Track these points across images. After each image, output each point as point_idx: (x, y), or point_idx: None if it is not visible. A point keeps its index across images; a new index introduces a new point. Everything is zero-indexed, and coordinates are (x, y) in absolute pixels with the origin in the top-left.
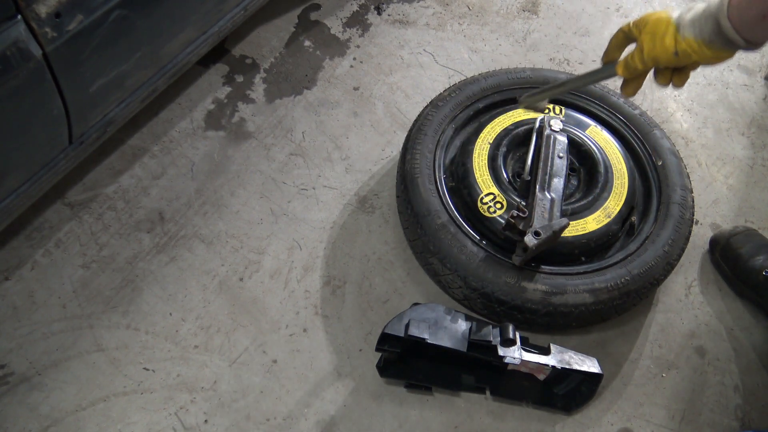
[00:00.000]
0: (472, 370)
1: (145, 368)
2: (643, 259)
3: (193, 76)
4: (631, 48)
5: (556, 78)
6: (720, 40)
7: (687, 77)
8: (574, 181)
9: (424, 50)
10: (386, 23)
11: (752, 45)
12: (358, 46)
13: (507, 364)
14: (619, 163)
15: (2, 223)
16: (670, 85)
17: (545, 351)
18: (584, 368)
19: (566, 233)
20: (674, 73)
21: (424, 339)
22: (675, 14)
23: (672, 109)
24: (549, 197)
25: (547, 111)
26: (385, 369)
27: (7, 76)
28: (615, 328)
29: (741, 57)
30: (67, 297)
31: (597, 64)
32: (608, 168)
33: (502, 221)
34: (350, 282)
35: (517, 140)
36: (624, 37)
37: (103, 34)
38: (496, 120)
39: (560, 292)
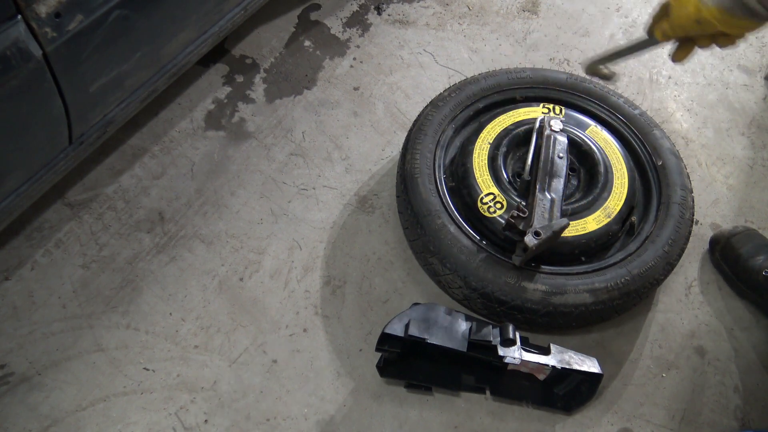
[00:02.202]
0: (472, 370)
1: (145, 368)
2: (643, 259)
3: (193, 76)
4: None
5: (556, 78)
6: (740, 9)
7: (731, 42)
8: (574, 181)
9: (424, 50)
10: (386, 23)
11: None
12: (358, 46)
13: (507, 364)
14: (619, 163)
15: (2, 223)
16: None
17: (545, 351)
18: (584, 368)
19: (566, 233)
20: (720, 36)
21: (424, 339)
22: None
23: (672, 109)
24: (549, 197)
25: (547, 111)
26: (385, 369)
27: (7, 76)
28: (615, 328)
29: (741, 56)
30: (67, 297)
31: None
32: (608, 168)
33: (502, 221)
34: (350, 282)
35: (517, 140)
36: (661, 9)
37: (103, 34)
38: (496, 120)
39: (560, 292)
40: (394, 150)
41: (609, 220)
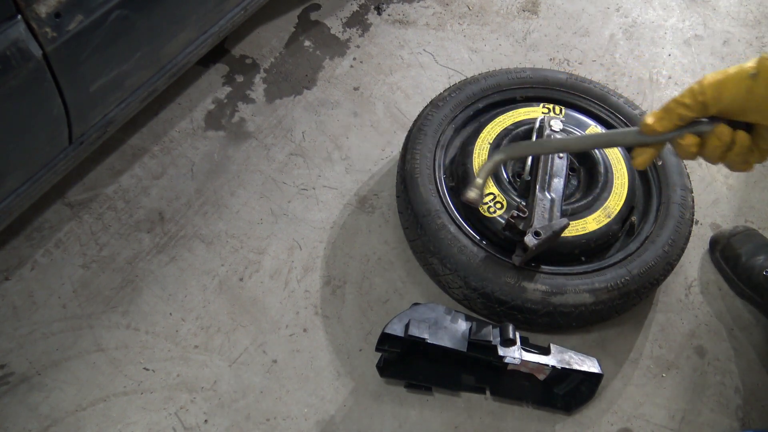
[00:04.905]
0: (472, 370)
1: (145, 368)
2: (643, 259)
3: (193, 76)
4: None
5: (556, 78)
6: None
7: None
8: (574, 181)
9: (424, 50)
10: (386, 23)
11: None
12: (358, 46)
13: (507, 364)
14: (619, 163)
15: (2, 223)
16: None
17: (545, 351)
18: (584, 368)
19: (566, 233)
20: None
21: (424, 339)
22: None
23: None
24: (549, 197)
25: (547, 111)
26: (385, 369)
27: (7, 76)
28: (615, 328)
29: (741, 57)
30: (67, 297)
31: (597, 64)
32: (608, 168)
33: (502, 221)
34: (350, 282)
35: (517, 140)
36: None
37: (103, 34)
38: (496, 120)
39: (560, 292)
40: (394, 150)
41: (609, 220)
